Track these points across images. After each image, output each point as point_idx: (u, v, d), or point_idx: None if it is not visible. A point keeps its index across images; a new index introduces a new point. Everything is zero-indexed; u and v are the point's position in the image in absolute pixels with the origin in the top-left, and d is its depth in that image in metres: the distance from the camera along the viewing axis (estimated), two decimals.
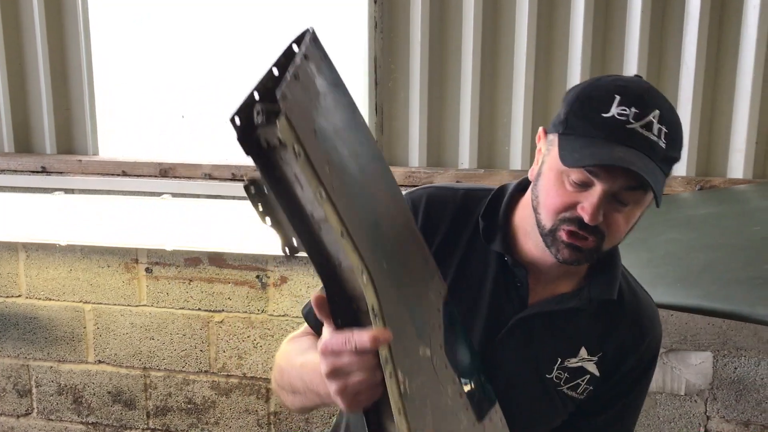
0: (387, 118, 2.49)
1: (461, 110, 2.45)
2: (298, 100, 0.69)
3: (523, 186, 1.15)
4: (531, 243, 1.10)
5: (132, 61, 2.67)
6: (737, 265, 1.19)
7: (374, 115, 2.48)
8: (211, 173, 2.54)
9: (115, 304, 2.68)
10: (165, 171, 2.57)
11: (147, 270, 2.64)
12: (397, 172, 2.37)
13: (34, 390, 2.80)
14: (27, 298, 2.73)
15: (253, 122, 0.67)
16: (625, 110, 0.97)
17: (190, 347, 2.67)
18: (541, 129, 1.10)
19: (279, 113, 0.65)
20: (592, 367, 1.12)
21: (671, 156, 1.02)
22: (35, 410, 2.82)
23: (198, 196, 2.52)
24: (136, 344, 2.70)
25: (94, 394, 2.76)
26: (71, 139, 2.70)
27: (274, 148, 0.68)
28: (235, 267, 2.60)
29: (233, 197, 2.49)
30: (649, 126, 0.97)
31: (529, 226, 1.09)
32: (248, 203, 0.73)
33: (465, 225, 1.14)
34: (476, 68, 2.40)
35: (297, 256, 0.78)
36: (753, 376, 2.34)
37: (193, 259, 2.61)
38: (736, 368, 2.34)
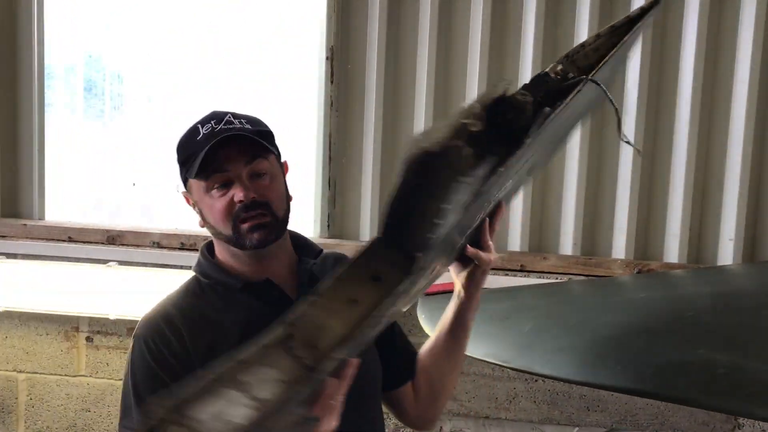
0: (339, 192, 2.54)
1: None
2: None
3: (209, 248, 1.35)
4: (241, 263, 1.29)
5: (84, 127, 2.68)
6: (670, 349, 1.25)
7: (327, 189, 2.53)
8: (159, 242, 2.53)
9: (51, 374, 2.60)
10: (112, 238, 2.54)
11: (88, 339, 2.58)
12: (348, 246, 2.40)
13: None
14: None
15: None
16: (209, 126, 1.24)
17: None
18: (184, 193, 1.32)
19: None
20: None
21: (261, 130, 1.27)
22: None
23: (145, 264, 2.50)
24: (71, 416, 2.60)
25: None
26: (17, 202, 2.65)
27: None
28: None
29: (182, 267, 2.47)
30: (228, 122, 1.23)
31: (230, 254, 1.29)
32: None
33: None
34: None
35: None
36: None
37: None
38: None
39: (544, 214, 2.53)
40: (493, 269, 1.25)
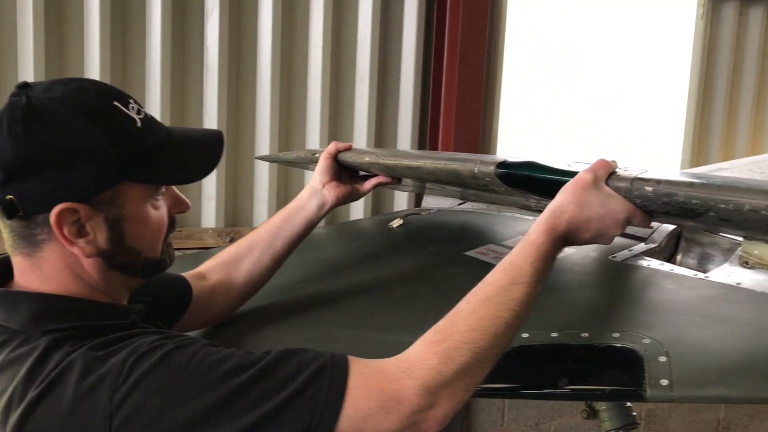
0: None
1: None
2: None
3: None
4: (113, 291, 0.92)
5: None
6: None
7: None
8: None
9: None
10: None
11: None
12: None
13: None
14: None
15: None
16: (136, 108, 0.88)
17: None
18: (60, 209, 0.82)
19: None
20: None
21: None
22: None
23: None
24: None
25: None
26: None
27: None
28: None
29: None
30: (138, 104, 0.90)
31: (103, 283, 0.90)
32: None
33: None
34: None
35: None
36: None
37: None
38: None
39: None
40: None
